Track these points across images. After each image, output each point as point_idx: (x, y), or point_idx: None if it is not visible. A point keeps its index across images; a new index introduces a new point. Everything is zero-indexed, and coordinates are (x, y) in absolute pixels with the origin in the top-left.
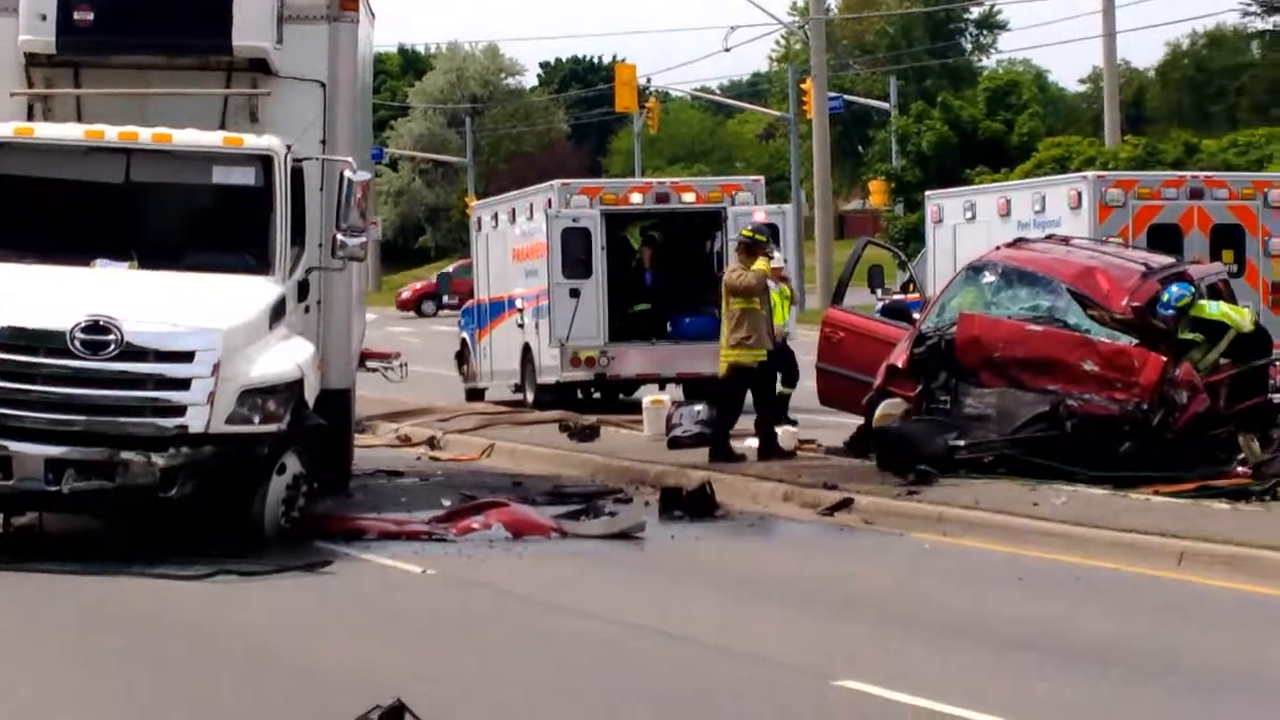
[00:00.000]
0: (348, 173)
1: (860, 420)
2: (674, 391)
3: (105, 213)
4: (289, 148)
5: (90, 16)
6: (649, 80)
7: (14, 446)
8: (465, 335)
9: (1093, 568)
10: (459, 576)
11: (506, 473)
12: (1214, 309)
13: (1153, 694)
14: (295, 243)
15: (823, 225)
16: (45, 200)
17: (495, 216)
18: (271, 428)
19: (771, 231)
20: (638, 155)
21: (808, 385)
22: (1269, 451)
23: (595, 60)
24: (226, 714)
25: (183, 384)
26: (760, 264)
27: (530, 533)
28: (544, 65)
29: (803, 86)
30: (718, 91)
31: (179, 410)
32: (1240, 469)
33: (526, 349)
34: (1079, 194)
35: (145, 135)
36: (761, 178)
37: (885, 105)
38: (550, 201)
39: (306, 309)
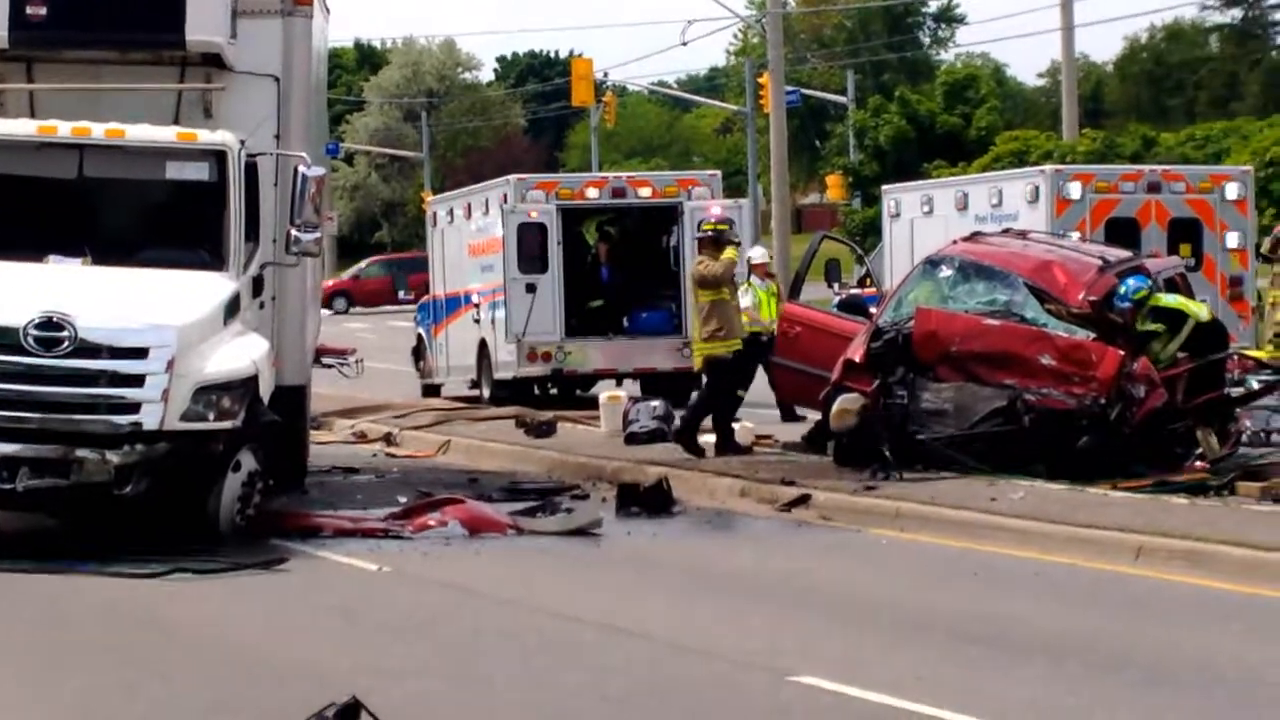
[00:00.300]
0: (302, 168)
1: (819, 415)
2: (631, 387)
3: (58, 208)
4: (243, 143)
5: (43, 11)
6: (606, 74)
7: None
8: (421, 331)
9: (1050, 563)
10: (415, 574)
11: (463, 469)
12: (1171, 300)
13: (1109, 688)
14: (250, 238)
15: (780, 219)
16: None
17: (451, 212)
18: (226, 424)
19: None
20: (595, 150)
21: (762, 379)
22: (1226, 446)
23: (552, 54)
24: (181, 711)
25: (137, 381)
26: (729, 252)
27: (486, 530)
28: (500, 60)
29: (760, 80)
30: (675, 86)
31: (133, 407)
32: (1198, 464)
33: (483, 345)
34: (1036, 188)
35: (98, 130)
36: (718, 172)
37: (843, 99)
38: (506, 196)
39: (261, 305)
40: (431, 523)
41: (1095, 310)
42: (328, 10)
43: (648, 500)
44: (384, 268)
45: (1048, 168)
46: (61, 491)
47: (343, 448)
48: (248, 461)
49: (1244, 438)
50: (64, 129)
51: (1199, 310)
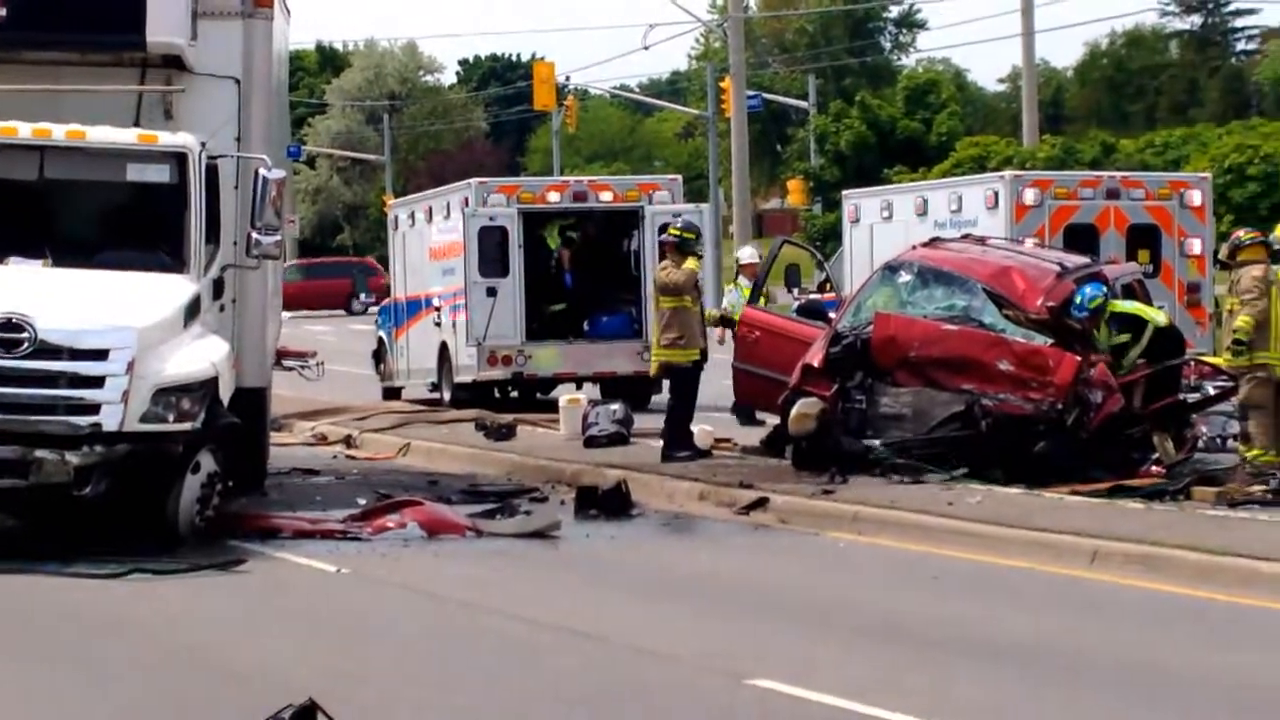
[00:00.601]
0: (263, 170)
1: (777, 419)
2: (591, 390)
3: (19, 210)
4: (204, 145)
5: (3, 12)
6: (568, 78)
7: None
8: (382, 334)
9: (1007, 567)
10: (374, 575)
11: (422, 471)
12: (1128, 306)
13: (1065, 692)
14: (210, 240)
15: (741, 224)
16: None
17: (412, 215)
18: (186, 426)
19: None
20: (556, 153)
21: (724, 384)
22: (1183, 451)
23: (514, 58)
24: (139, 712)
25: (97, 382)
26: (691, 262)
27: (445, 531)
28: (462, 63)
29: (721, 85)
30: (637, 90)
31: (93, 408)
32: (1154, 468)
33: (444, 348)
34: (995, 194)
35: (59, 132)
36: (679, 176)
37: (804, 104)
38: (467, 200)
39: (221, 307)
40: (390, 524)
41: (1053, 316)
42: (289, 12)
43: (606, 503)
44: (299, 272)
45: (1007, 174)
46: (20, 492)
47: (303, 450)
48: (207, 463)
49: (1200, 443)
50: (24, 130)
51: (1156, 316)
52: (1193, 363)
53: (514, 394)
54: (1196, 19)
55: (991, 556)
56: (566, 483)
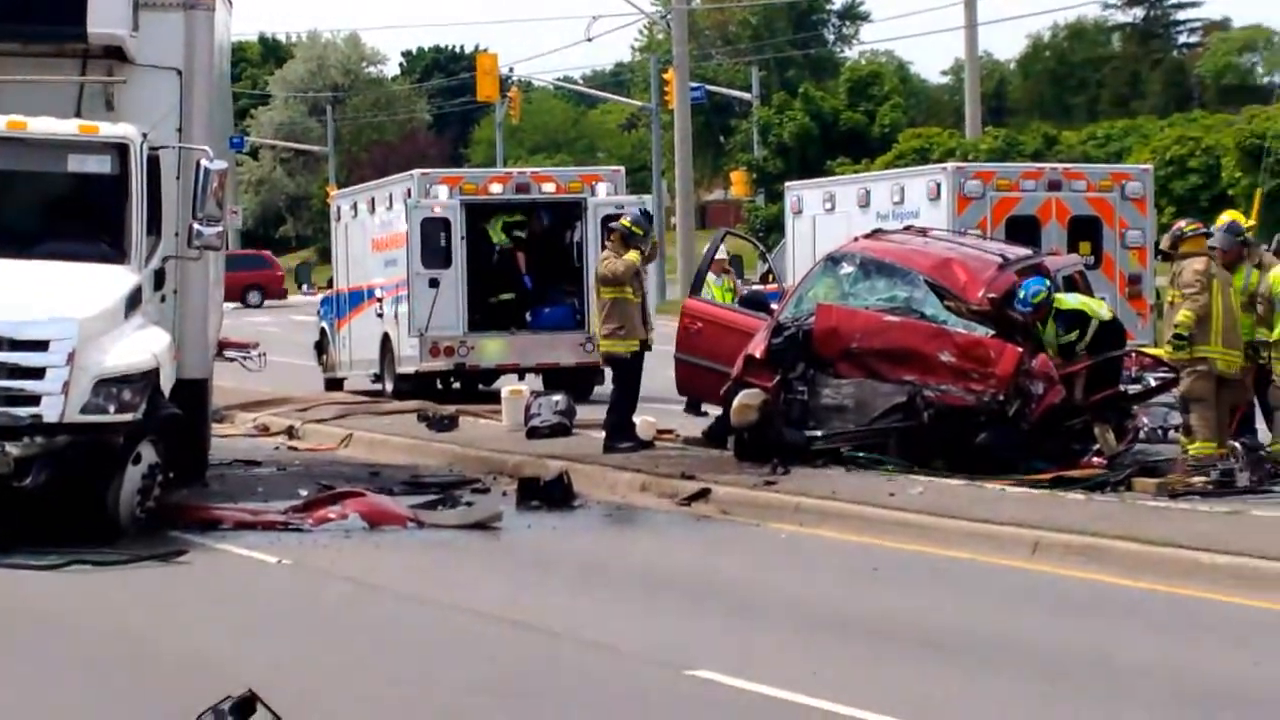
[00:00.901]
0: (204, 161)
1: (719, 410)
2: (533, 381)
3: None
4: (145, 136)
5: None
6: (511, 70)
7: None
8: (324, 325)
9: (948, 558)
10: (315, 566)
11: (364, 463)
12: (1072, 300)
13: (1005, 682)
14: (151, 231)
15: (684, 215)
16: None
17: (355, 206)
18: (127, 417)
19: (647, 220)
20: (499, 145)
21: (667, 375)
22: (1123, 443)
23: (457, 50)
24: (78, 703)
25: (37, 373)
26: (631, 254)
27: (387, 523)
28: (406, 54)
29: (665, 76)
30: (580, 81)
31: (33, 400)
32: (1095, 460)
33: (386, 339)
34: (938, 185)
35: (0, 122)
36: (621, 168)
37: (747, 96)
38: (410, 191)
39: (163, 298)
40: (332, 516)
41: (995, 307)
42: (230, 3)
43: (548, 494)
44: None
45: (949, 165)
46: None
47: (244, 441)
48: (148, 454)
49: (1141, 434)
50: None
51: (1100, 309)
52: (1134, 354)
53: (456, 385)
54: (1139, 12)
55: (933, 547)
56: (509, 474)
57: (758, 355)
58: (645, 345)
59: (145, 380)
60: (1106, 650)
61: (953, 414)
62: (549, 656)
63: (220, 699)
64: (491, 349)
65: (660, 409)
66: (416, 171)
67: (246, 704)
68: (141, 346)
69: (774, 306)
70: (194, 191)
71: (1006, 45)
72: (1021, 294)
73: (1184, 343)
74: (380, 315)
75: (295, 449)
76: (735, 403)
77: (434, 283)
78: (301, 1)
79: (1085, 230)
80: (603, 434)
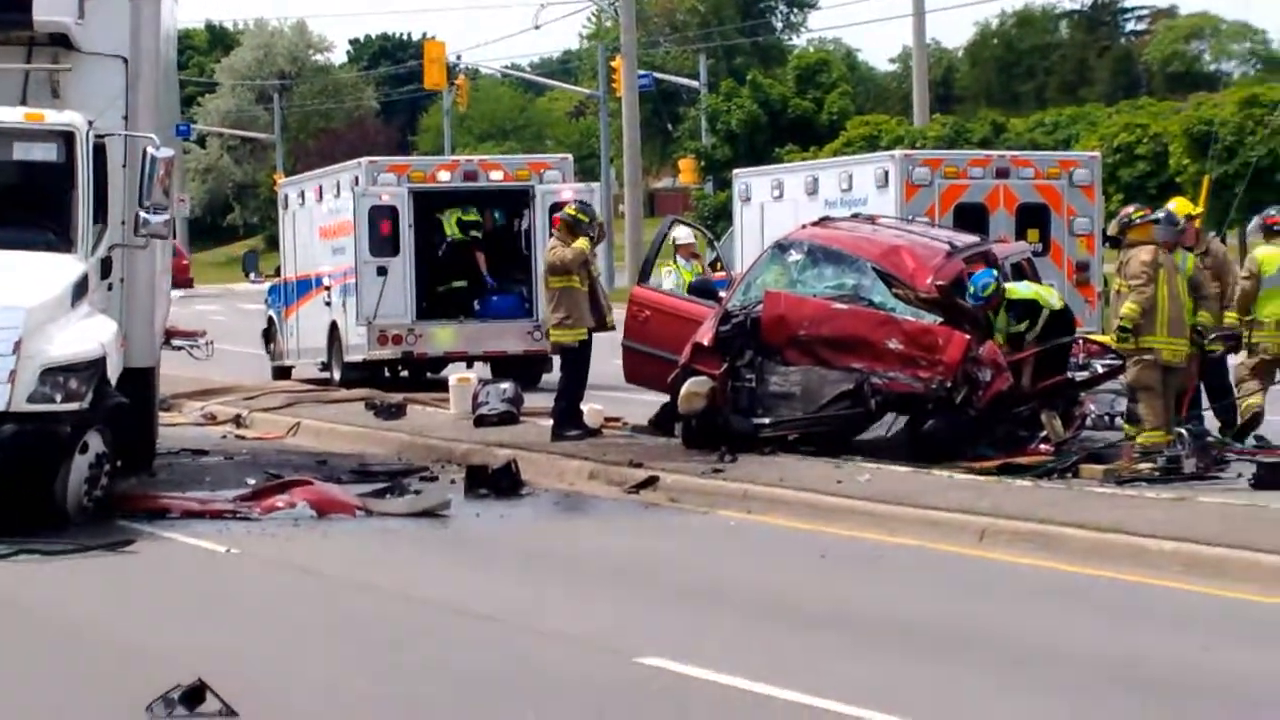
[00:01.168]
0: (151, 149)
1: (666, 398)
2: (481, 370)
3: None
4: (91, 123)
5: None
6: (459, 57)
7: None
8: (272, 313)
9: (896, 545)
10: (263, 555)
11: (312, 451)
12: (1024, 289)
13: (953, 669)
14: (98, 220)
15: (632, 203)
16: None
17: (302, 194)
18: (73, 406)
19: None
20: (447, 133)
21: (615, 363)
22: (1071, 429)
23: (404, 37)
24: (25, 693)
25: None
26: (580, 242)
27: (335, 511)
28: (353, 42)
29: (613, 64)
30: (528, 69)
31: None
32: (1043, 446)
33: (334, 327)
34: (886, 172)
35: None
36: (569, 156)
37: (695, 83)
38: (358, 179)
39: (109, 287)
40: (280, 504)
41: (943, 294)
42: None
43: (496, 482)
44: None
45: (897, 153)
46: None
47: (192, 430)
48: (95, 443)
49: (1088, 421)
50: None
51: (1051, 298)
52: (1081, 341)
53: (404, 373)
54: (1087, 0)
55: (880, 534)
56: (456, 462)
57: (705, 343)
58: (605, 327)
59: (92, 369)
60: (1055, 636)
61: (900, 401)
62: (497, 643)
63: (169, 688)
64: (440, 337)
65: (608, 397)
66: (364, 159)
67: (196, 693)
68: (88, 335)
69: (722, 294)
70: (140, 179)
71: (954, 33)
72: (971, 288)
73: (1127, 335)
74: (328, 304)
75: (243, 437)
76: (683, 390)
77: (382, 271)
78: None
79: (1033, 217)
80: (550, 422)
